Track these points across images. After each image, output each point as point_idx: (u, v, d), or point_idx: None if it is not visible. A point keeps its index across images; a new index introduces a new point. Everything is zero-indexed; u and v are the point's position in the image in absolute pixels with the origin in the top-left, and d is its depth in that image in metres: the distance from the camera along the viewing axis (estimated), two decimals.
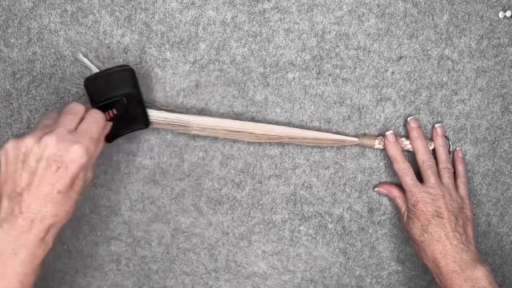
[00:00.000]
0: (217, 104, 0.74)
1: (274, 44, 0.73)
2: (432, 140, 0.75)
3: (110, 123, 0.62)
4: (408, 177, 0.71)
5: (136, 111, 0.66)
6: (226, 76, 0.73)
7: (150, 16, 0.72)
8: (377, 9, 0.72)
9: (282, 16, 0.72)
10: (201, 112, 0.74)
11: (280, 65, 0.73)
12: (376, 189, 0.77)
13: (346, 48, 0.73)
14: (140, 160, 0.75)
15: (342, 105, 0.75)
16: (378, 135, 0.75)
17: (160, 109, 0.70)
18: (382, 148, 0.74)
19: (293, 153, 0.76)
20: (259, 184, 0.77)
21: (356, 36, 0.73)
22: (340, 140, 0.73)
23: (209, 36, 0.72)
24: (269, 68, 0.73)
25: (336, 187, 0.77)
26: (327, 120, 0.75)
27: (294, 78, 0.74)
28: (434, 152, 0.74)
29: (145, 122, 0.68)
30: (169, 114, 0.70)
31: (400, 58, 0.74)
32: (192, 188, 0.76)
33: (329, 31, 0.73)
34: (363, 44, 0.73)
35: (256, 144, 0.75)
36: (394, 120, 0.76)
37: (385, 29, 0.73)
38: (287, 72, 0.73)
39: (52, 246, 0.54)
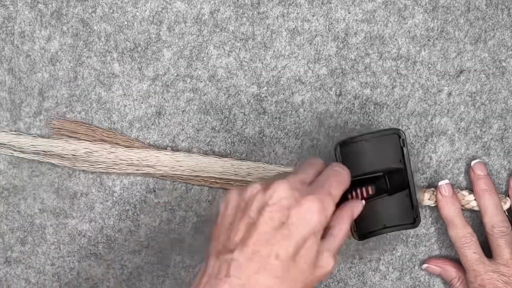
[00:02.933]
0: (189, 140, 0.69)
1: (274, 51, 0.68)
2: (508, 196, 0.68)
3: (362, 202, 0.57)
4: (470, 250, 0.64)
5: (399, 198, 0.61)
6: (202, 99, 0.69)
7: (90, 10, 0.67)
8: (427, 0, 0.68)
9: (285, 10, 0.67)
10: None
11: (282, 83, 0.68)
12: (424, 266, 0.68)
13: (380, 57, 0.68)
14: (74, 224, 0.70)
15: None
16: (428, 187, 0.68)
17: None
18: (433, 205, 0.67)
19: None
20: None
21: (395, 40, 0.68)
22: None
23: (177, 40, 0.68)
24: (266, 88, 0.68)
25: (364, 264, 0.69)
26: None
27: (303, 102, 0.68)
28: (510, 213, 0.68)
29: (413, 217, 0.62)
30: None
31: (461, 72, 0.68)
32: (152, 266, 0.69)
33: (355, 33, 0.68)
34: (406, 51, 0.68)
35: None
36: (451, 165, 0.68)
37: (438, 29, 0.68)
38: (292, 93, 0.68)
39: None
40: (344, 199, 0.55)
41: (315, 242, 0.50)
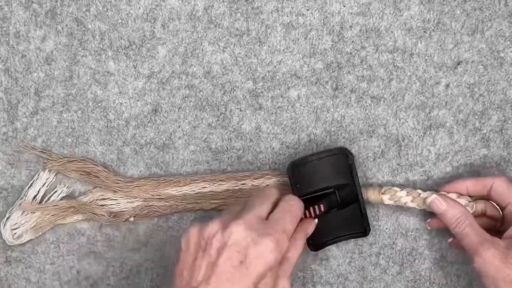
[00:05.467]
0: (186, 137, 0.68)
1: (269, 46, 0.67)
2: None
3: (315, 221, 0.61)
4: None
5: (351, 210, 0.64)
6: (198, 95, 0.68)
7: (84, 9, 0.67)
8: None
9: (279, 5, 0.67)
10: (163, 149, 0.68)
11: (278, 78, 0.68)
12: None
13: (377, 50, 0.67)
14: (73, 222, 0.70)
15: (372, 136, 0.68)
16: (426, 180, 0.67)
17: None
18: (394, 204, 0.66)
19: None
20: None
21: (391, 32, 0.67)
22: None
23: (171, 37, 0.67)
24: (261, 83, 0.68)
25: (364, 258, 0.69)
26: None
27: (299, 97, 0.68)
28: None
29: (363, 226, 0.65)
30: None
31: (458, 63, 0.68)
32: (151, 263, 0.69)
33: (351, 26, 0.67)
34: (402, 44, 0.67)
35: None
36: (450, 158, 0.67)
37: (434, 20, 0.67)
38: (288, 88, 0.68)
39: None
40: None
41: (272, 276, 0.54)
